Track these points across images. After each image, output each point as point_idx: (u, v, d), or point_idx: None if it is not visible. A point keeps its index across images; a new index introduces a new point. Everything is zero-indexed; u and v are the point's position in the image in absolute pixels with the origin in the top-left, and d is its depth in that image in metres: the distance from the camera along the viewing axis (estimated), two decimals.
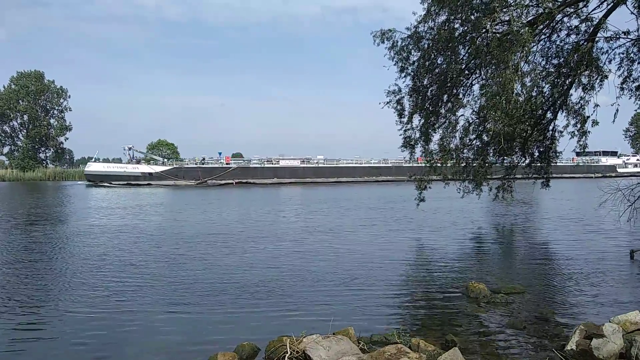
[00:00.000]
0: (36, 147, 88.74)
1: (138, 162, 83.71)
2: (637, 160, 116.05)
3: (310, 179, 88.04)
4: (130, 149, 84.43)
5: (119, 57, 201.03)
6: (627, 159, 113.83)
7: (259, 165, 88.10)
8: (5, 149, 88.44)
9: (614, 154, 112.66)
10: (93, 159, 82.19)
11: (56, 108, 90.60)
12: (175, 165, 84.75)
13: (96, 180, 77.57)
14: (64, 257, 16.76)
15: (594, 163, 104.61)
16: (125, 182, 76.81)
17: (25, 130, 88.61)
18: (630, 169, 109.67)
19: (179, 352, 8.22)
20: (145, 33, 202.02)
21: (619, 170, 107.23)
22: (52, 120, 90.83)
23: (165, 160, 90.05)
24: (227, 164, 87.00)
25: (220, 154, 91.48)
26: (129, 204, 41.79)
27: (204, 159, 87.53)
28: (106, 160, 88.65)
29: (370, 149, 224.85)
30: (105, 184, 75.34)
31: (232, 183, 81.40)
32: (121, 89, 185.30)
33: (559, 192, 45.74)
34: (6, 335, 9.10)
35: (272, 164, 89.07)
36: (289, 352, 7.44)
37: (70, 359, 8.05)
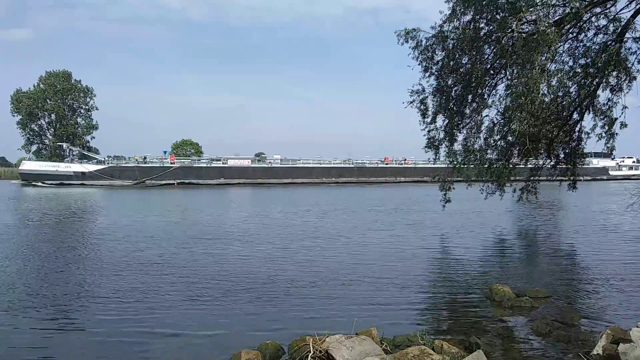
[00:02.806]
0: (63, 146, 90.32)
1: (71, 160, 79.72)
2: (633, 162, 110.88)
3: (262, 179, 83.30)
4: (68, 147, 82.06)
5: (144, 58, 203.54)
6: (622, 161, 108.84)
7: (204, 165, 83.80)
8: (34, 147, 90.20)
9: (607, 155, 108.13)
10: (27, 157, 78.94)
11: (83, 107, 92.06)
12: (110, 164, 79.84)
13: (30, 179, 74.25)
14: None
15: (584, 165, 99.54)
16: (58, 182, 73.04)
17: (52, 129, 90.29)
18: (624, 172, 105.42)
19: (203, 350, 8.33)
20: (170, 34, 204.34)
21: (612, 172, 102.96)
22: (79, 119, 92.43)
23: (106, 158, 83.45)
24: (171, 163, 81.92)
25: (165, 152, 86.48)
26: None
27: (145, 158, 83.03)
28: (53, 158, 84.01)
29: (392, 150, 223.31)
30: (39, 184, 72.07)
31: (174, 184, 77.37)
32: (146, 89, 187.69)
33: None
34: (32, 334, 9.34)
35: (222, 163, 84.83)
36: (312, 352, 7.48)
37: (96, 356, 8.21)
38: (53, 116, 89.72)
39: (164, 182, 77.24)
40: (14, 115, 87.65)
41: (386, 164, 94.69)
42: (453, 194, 21.05)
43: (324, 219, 28.19)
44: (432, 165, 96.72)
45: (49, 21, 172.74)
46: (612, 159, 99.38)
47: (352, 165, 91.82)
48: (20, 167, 78.81)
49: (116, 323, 9.69)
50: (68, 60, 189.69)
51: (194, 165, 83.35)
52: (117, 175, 76.71)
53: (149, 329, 9.38)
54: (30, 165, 76.45)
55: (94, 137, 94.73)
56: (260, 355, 7.65)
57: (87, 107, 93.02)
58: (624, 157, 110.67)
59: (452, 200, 20.90)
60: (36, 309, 10.60)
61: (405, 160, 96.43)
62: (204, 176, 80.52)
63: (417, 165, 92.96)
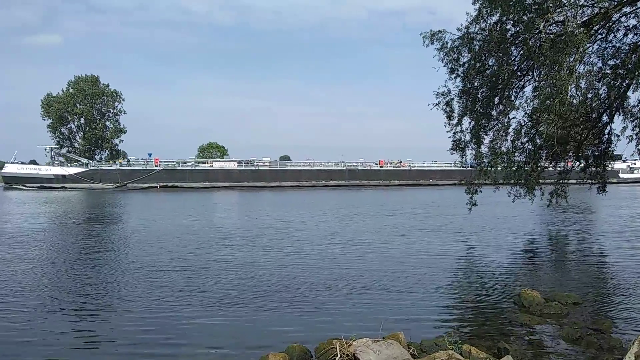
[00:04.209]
0: (92, 148, 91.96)
1: (51, 163, 78.24)
2: None
3: (249, 183, 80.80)
4: (51, 150, 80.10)
5: (170, 61, 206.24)
6: (633, 164, 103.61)
7: (189, 168, 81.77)
8: (64, 150, 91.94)
9: (617, 158, 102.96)
10: (11, 160, 76.93)
11: (111, 111, 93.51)
12: (91, 167, 78.58)
13: (12, 182, 73.43)
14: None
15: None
16: (39, 185, 72.20)
17: (82, 133, 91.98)
18: (636, 175, 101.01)
19: (231, 352, 8.45)
20: (196, 38, 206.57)
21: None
22: (107, 123, 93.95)
23: (88, 162, 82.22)
24: (156, 165, 79.68)
25: (150, 155, 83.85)
26: None
27: (128, 161, 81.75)
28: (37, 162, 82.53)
29: (418, 152, 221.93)
30: (20, 187, 71.54)
31: (157, 187, 75.65)
32: (172, 92, 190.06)
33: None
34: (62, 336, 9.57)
35: (209, 165, 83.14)
36: (339, 355, 7.51)
37: (127, 356, 8.37)
38: (82, 120, 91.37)
39: (146, 185, 75.76)
40: (44, 119, 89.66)
41: (381, 166, 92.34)
42: (479, 197, 20.81)
43: (341, 223, 28.18)
44: (430, 168, 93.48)
45: (78, 26, 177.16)
46: (623, 161, 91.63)
47: (344, 168, 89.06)
48: (2, 170, 77.22)
49: (142, 327, 9.89)
50: (96, 64, 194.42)
51: (178, 168, 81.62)
52: (99, 178, 75.68)
53: (176, 332, 9.54)
54: (12, 169, 75.31)
55: (122, 141, 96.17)
56: (287, 358, 7.71)
57: (115, 110, 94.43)
58: (636, 160, 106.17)
59: (478, 204, 20.64)
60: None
61: (400, 162, 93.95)
62: (188, 179, 78.69)
63: (412, 168, 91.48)
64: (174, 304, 11.34)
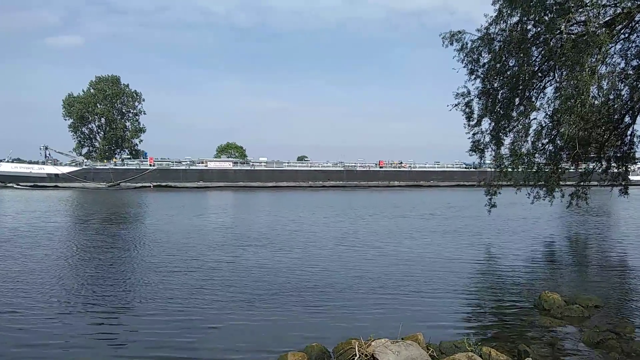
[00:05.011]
0: (112, 148, 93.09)
1: (44, 162, 77.52)
2: None
3: (244, 183, 79.98)
4: (46, 148, 79.36)
5: (189, 62, 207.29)
6: None
7: (183, 167, 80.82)
8: (84, 150, 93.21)
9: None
10: (5, 159, 76.52)
11: (131, 111, 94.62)
12: (84, 166, 77.92)
13: (6, 181, 72.52)
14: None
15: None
16: (32, 184, 71.92)
17: (102, 132, 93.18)
18: None
19: (250, 351, 8.51)
20: (215, 39, 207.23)
21: (631, 177, 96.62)
22: (127, 123, 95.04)
23: (83, 160, 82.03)
24: (150, 165, 79.38)
25: (145, 154, 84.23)
26: None
27: (122, 160, 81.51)
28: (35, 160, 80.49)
29: (440, 154, 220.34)
30: (13, 186, 71.35)
31: (150, 186, 75.20)
32: (191, 93, 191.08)
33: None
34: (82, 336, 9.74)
35: (204, 165, 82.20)
36: (357, 355, 7.54)
37: (144, 355, 8.50)
38: (103, 120, 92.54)
39: (139, 184, 75.46)
40: (65, 119, 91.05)
41: (380, 167, 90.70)
42: (498, 199, 20.65)
43: (357, 224, 28.17)
44: (431, 169, 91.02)
45: (99, 27, 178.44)
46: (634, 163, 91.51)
47: (342, 168, 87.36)
48: None
49: (163, 324, 10.03)
50: (117, 65, 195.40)
51: (172, 167, 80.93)
52: (91, 177, 75.48)
53: (196, 330, 9.64)
54: (6, 167, 74.60)
55: (142, 141, 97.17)
56: (306, 357, 7.76)
57: (135, 111, 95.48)
58: None
59: (498, 205, 20.49)
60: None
61: (401, 163, 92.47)
62: (182, 179, 78.23)
63: (412, 169, 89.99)
64: (190, 304, 11.45)
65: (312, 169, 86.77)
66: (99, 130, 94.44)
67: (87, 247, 19.23)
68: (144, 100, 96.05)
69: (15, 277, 13.83)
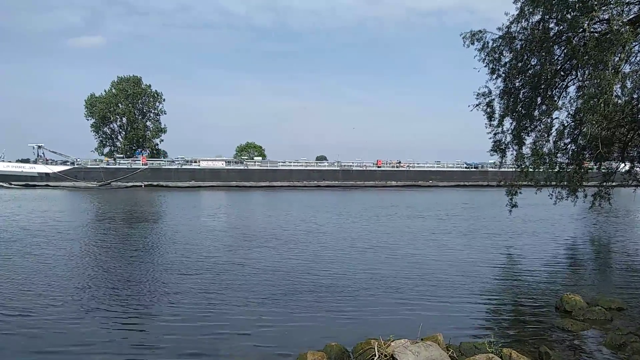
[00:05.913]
0: (133, 147, 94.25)
1: (35, 161, 77.64)
2: None
3: (236, 182, 79.44)
4: (39, 147, 79.37)
5: (210, 62, 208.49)
6: None
7: (174, 167, 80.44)
8: (106, 150, 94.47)
9: None
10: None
11: (152, 111, 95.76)
12: (75, 165, 77.72)
13: None
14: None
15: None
16: (23, 183, 72.35)
17: (123, 132, 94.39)
18: None
19: (270, 350, 8.59)
20: (235, 39, 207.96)
21: None
22: (148, 123, 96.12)
23: (74, 159, 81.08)
24: (143, 164, 79.22)
25: (139, 152, 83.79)
26: None
27: (114, 159, 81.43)
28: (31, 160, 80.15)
29: (453, 153, 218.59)
30: (5, 185, 71.32)
31: (141, 186, 75.07)
32: (212, 92, 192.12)
33: None
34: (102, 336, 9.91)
35: (196, 165, 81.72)
36: (377, 355, 7.56)
37: (166, 352, 8.62)
38: (124, 120, 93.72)
39: (130, 184, 75.50)
40: (87, 119, 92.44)
41: (378, 166, 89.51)
42: (519, 199, 20.44)
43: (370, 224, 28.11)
44: (430, 169, 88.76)
45: (120, 28, 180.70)
46: None
47: (337, 168, 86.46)
48: None
49: (181, 323, 10.14)
50: (138, 65, 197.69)
51: (164, 167, 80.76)
52: (82, 176, 75.30)
53: (217, 328, 9.76)
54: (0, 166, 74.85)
55: (162, 140, 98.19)
56: (325, 356, 7.81)
57: (156, 111, 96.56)
58: None
59: (519, 206, 20.27)
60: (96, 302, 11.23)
61: (399, 162, 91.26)
62: (174, 178, 77.88)
63: (411, 169, 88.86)
64: (209, 304, 11.55)
65: (307, 168, 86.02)
66: (121, 130, 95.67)
67: (91, 247, 19.55)
68: (164, 100, 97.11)
69: (15, 277, 14.03)
